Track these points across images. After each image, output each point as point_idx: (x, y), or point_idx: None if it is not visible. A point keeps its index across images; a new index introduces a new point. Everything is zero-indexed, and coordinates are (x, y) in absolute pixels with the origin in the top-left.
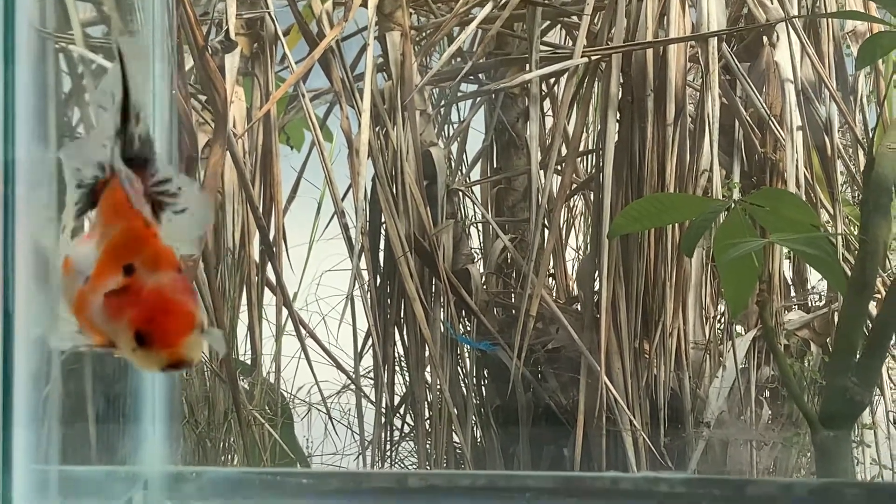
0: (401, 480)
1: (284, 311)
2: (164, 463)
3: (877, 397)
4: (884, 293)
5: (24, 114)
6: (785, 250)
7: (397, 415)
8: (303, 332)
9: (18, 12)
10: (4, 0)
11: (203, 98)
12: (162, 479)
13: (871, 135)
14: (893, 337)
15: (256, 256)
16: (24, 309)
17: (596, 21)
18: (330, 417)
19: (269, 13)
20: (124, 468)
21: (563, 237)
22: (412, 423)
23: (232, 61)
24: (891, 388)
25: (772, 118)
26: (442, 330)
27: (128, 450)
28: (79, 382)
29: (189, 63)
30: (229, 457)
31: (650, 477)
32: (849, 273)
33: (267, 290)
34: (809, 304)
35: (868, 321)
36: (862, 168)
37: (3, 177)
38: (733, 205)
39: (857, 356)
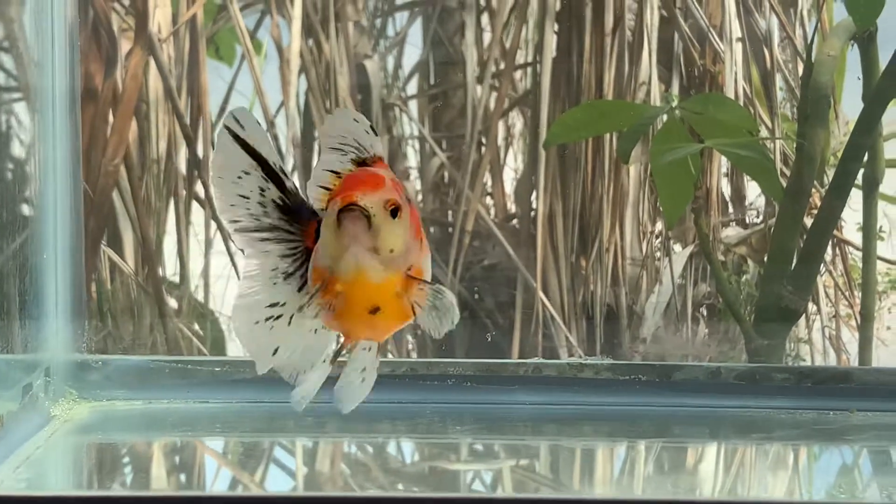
0: None
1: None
2: (69, 351)
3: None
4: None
5: None
6: (724, 168)
7: None
8: (232, 247)
9: None
10: None
11: (126, 2)
12: (65, 367)
13: (810, 43)
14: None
15: (184, 169)
16: None
17: None
18: None
19: None
20: (23, 356)
21: (502, 156)
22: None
23: None
24: (827, 304)
25: (711, 29)
26: None
27: (29, 339)
28: None
29: None
30: None
31: (575, 363)
32: (784, 182)
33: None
34: (747, 221)
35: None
36: (800, 76)
37: None
38: (670, 109)
39: (793, 264)
